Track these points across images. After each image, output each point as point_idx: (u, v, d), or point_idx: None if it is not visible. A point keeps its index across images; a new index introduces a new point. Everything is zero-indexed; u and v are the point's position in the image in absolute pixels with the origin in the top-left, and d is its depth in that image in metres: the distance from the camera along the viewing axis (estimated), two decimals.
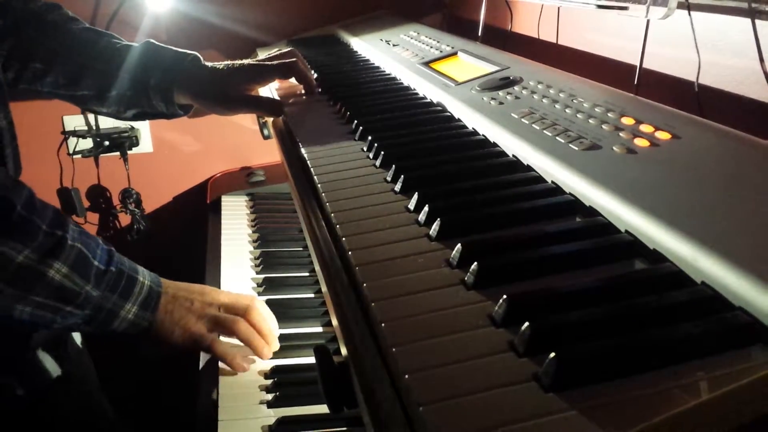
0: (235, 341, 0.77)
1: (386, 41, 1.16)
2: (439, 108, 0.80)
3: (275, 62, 0.89)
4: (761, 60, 0.75)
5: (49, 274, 0.62)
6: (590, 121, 0.62)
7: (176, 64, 0.86)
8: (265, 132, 1.37)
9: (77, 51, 0.86)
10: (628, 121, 0.60)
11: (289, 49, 0.96)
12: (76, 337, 0.86)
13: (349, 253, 0.50)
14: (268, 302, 0.93)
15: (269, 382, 0.77)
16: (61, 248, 0.63)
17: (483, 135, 0.69)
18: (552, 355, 0.34)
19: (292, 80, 0.93)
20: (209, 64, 0.88)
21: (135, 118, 0.91)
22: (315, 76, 1.00)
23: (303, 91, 0.95)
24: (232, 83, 0.86)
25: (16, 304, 0.62)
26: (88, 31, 0.89)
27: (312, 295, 0.98)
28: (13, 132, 0.78)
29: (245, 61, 0.89)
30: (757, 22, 0.75)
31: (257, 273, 1.03)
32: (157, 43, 0.88)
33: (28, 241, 0.61)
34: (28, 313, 0.63)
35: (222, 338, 0.76)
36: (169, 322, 0.72)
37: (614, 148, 0.55)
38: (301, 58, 0.93)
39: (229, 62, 0.88)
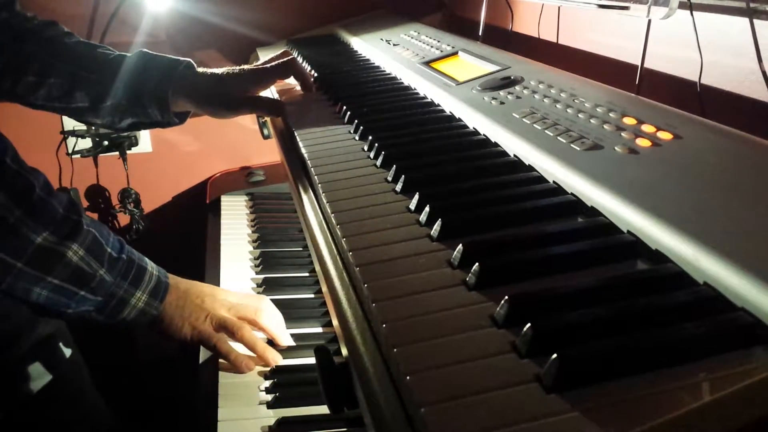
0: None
1: (386, 41, 1.16)
2: (440, 108, 0.80)
3: (273, 63, 0.90)
4: (759, 59, 0.75)
5: (68, 255, 0.63)
6: (592, 121, 0.62)
7: (170, 71, 0.86)
8: (265, 132, 1.37)
9: (70, 63, 0.86)
10: (629, 121, 0.60)
11: (283, 50, 0.97)
12: (65, 344, 0.86)
13: (350, 253, 0.50)
14: None
15: (269, 382, 0.77)
16: (77, 232, 0.64)
17: (484, 135, 0.69)
18: (554, 356, 0.34)
19: (292, 79, 0.94)
20: (206, 69, 0.88)
21: (130, 128, 0.91)
22: (314, 75, 1.00)
23: (300, 88, 0.96)
24: (234, 87, 0.87)
25: (34, 287, 0.63)
26: (81, 44, 0.89)
27: (312, 296, 0.98)
28: None
29: (244, 66, 0.90)
30: (756, 21, 0.74)
31: (257, 273, 1.03)
32: (149, 51, 0.88)
33: (48, 223, 0.62)
34: (44, 297, 0.64)
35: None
36: (179, 317, 0.73)
37: (616, 148, 0.55)
38: (294, 57, 0.94)
39: (227, 68, 0.88)
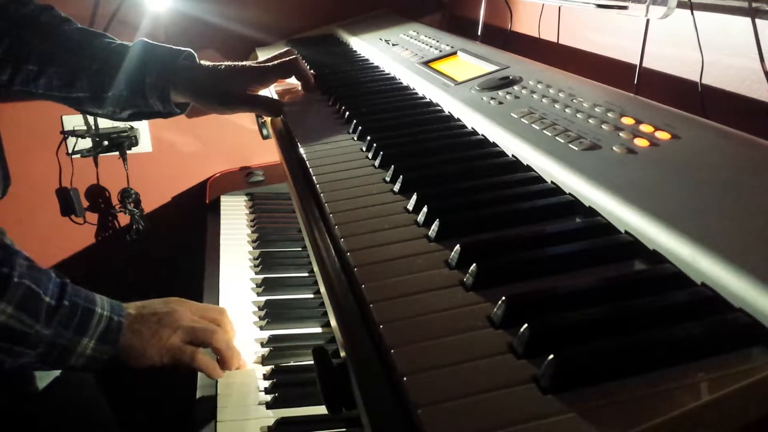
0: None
1: (386, 41, 1.16)
2: (439, 108, 0.80)
3: (275, 62, 0.89)
4: (761, 59, 0.75)
5: None
6: (590, 120, 0.62)
7: (171, 62, 0.85)
8: (264, 132, 1.37)
9: (71, 52, 0.85)
10: (627, 121, 0.60)
11: (286, 49, 0.96)
12: None
13: (348, 253, 0.50)
14: (268, 302, 0.93)
15: (269, 382, 0.77)
16: (5, 287, 0.60)
17: (482, 135, 0.69)
18: (551, 356, 0.34)
19: (292, 79, 0.93)
20: (207, 63, 0.88)
21: (131, 118, 0.90)
22: (314, 75, 1.00)
23: (301, 89, 0.96)
24: (234, 83, 0.86)
25: None
26: (81, 31, 0.88)
27: (311, 296, 0.98)
28: (0, 143, 0.77)
29: (246, 63, 0.89)
30: (758, 21, 0.74)
31: (256, 273, 1.03)
32: (150, 41, 0.87)
33: None
34: None
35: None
36: (139, 342, 0.68)
37: (614, 148, 0.55)
38: (298, 57, 0.93)
39: (229, 63, 0.88)
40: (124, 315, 0.68)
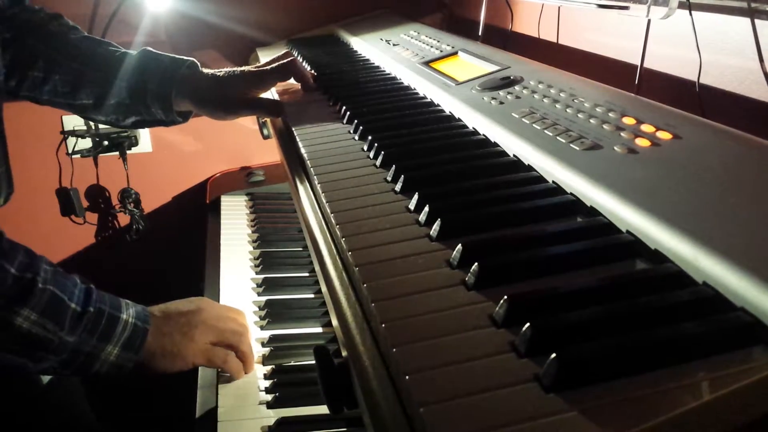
0: None
1: (386, 41, 1.16)
2: (440, 108, 0.80)
3: (273, 65, 0.90)
4: (761, 60, 0.75)
5: (17, 322, 0.58)
6: (591, 120, 0.62)
7: (173, 71, 0.86)
8: (265, 132, 1.37)
9: (76, 59, 0.86)
10: (629, 121, 0.60)
11: (284, 51, 0.97)
12: None
13: (349, 253, 0.50)
14: (268, 302, 0.93)
15: (269, 382, 0.77)
16: (30, 293, 0.59)
17: (483, 135, 0.69)
18: (553, 355, 0.34)
19: (292, 80, 0.94)
20: (208, 70, 0.88)
21: (134, 125, 0.91)
22: (314, 75, 1.01)
23: (301, 89, 0.96)
24: (234, 89, 0.87)
25: None
26: (87, 39, 0.90)
27: (312, 296, 0.98)
28: (5, 148, 0.77)
29: (245, 68, 0.90)
30: (757, 21, 0.74)
31: (257, 273, 1.03)
32: (153, 50, 0.88)
33: None
34: None
35: None
36: (171, 344, 0.68)
37: (615, 148, 0.55)
38: (296, 58, 0.94)
39: (228, 69, 0.88)
40: (149, 322, 0.67)
